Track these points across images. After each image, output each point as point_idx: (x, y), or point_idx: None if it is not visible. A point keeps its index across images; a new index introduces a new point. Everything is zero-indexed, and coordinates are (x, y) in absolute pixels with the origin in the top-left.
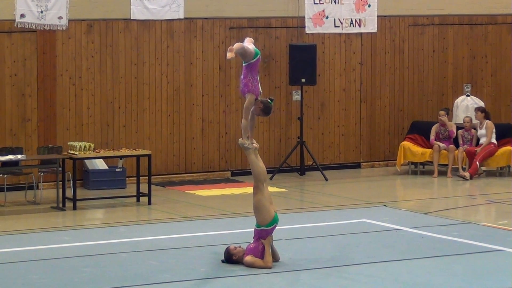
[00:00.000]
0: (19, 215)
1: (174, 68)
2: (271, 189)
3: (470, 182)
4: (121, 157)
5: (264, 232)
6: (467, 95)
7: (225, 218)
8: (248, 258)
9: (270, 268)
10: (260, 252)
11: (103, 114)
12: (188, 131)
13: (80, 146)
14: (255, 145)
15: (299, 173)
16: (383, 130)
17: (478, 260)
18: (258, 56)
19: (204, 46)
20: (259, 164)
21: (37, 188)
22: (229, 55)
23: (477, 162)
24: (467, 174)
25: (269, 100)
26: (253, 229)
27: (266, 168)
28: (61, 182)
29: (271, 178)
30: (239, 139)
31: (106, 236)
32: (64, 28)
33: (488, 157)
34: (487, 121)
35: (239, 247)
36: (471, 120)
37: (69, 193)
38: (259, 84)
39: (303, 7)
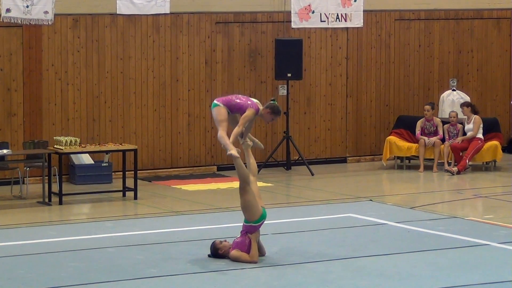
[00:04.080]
0: (5, 210)
1: (160, 63)
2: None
3: (456, 177)
4: (107, 152)
5: (252, 228)
6: (453, 90)
7: (211, 212)
8: (234, 253)
9: (256, 262)
10: (247, 246)
11: (89, 109)
12: (174, 126)
13: (66, 141)
14: (249, 142)
15: (285, 167)
16: (369, 125)
17: (464, 255)
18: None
19: (190, 41)
20: (244, 168)
21: (23, 183)
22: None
23: (467, 160)
24: (454, 169)
25: (271, 102)
26: (239, 224)
27: None
28: (47, 177)
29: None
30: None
31: (93, 231)
32: (50, 23)
33: (476, 154)
34: (475, 116)
35: (225, 241)
36: (457, 115)
37: (55, 188)
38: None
39: (289, 1)
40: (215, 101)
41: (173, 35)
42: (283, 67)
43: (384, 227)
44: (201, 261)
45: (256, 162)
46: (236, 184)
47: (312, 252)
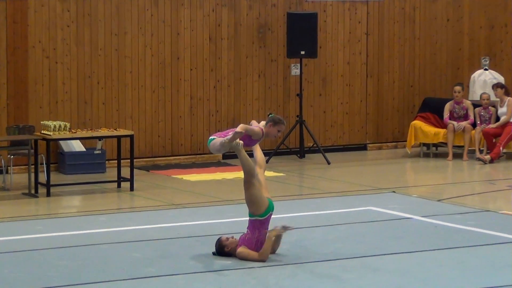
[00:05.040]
0: None
1: (159, 39)
2: (267, 173)
3: (489, 166)
4: (100, 138)
5: (258, 222)
6: (485, 69)
7: (215, 205)
8: (241, 250)
9: (264, 261)
10: (255, 243)
11: (80, 90)
12: (175, 109)
13: (55, 126)
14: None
15: (298, 155)
16: (392, 108)
17: (497, 252)
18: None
19: (192, 15)
20: (249, 160)
21: (7, 172)
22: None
23: (501, 148)
24: (487, 158)
25: (269, 116)
26: (247, 218)
27: (262, 150)
28: (33, 166)
29: (267, 161)
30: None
31: (84, 226)
32: None
33: (511, 140)
34: (509, 98)
35: (232, 237)
36: (489, 97)
37: (42, 178)
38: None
39: None
40: (210, 137)
41: (173, 9)
42: (295, 44)
43: (408, 221)
44: (204, 259)
45: (266, 149)
46: (242, 174)
47: (327, 250)
